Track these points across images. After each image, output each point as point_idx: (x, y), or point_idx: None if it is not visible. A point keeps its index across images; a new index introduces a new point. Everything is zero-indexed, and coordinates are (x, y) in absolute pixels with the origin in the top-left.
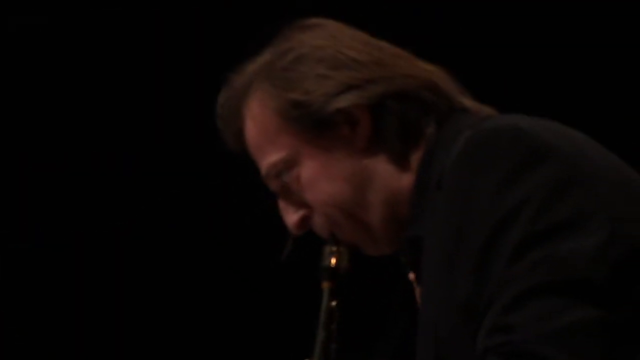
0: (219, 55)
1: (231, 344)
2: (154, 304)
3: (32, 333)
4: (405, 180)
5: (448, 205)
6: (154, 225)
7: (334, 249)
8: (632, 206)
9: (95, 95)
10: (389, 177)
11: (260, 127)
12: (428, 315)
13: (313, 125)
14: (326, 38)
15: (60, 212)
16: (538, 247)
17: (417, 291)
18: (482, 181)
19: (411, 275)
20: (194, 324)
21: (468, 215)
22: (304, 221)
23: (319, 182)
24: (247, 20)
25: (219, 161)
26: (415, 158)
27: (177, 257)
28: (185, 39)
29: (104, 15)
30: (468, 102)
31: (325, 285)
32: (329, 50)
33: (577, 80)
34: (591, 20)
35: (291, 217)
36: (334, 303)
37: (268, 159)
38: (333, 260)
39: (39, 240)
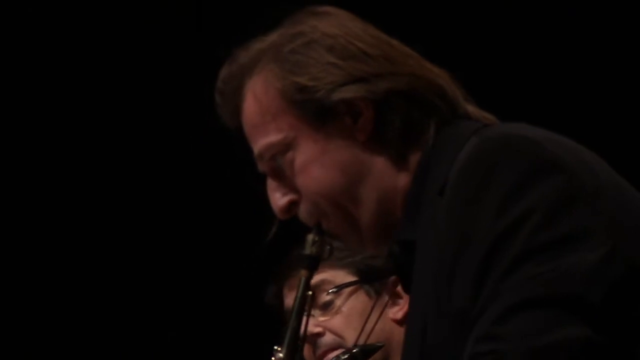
0: (217, 55)
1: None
2: (152, 304)
3: (32, 333)
4: (402, 181)
5: (451, 214)
6: (153, 226)
7: (317, 238)
8: (632, 223)
9: (94, 95)
10: (385, 175)
11: (261, 106)
12: (417, 320)
13: (315, 112)
14: (338, 27)
15: (60, 212)
16: (536, 260)
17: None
18: (487, 192)
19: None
20: (191, 323)
21: (471, 225)
22: (291, 206)
23: (312, 169)
24: (245, 22)
25: (217, 162)
26: (414, 159)
27: (176, 257)
28: (184, 39)
29: (102, 15)
30: (471, 108)
31: (303, 273)
32: (340, 40)
33: (576, 87)
34: (589, 28)
35: (279, 200)
36: (309, 292)
37: (265, 139)
38: (314, 250)
39: (39, 240)
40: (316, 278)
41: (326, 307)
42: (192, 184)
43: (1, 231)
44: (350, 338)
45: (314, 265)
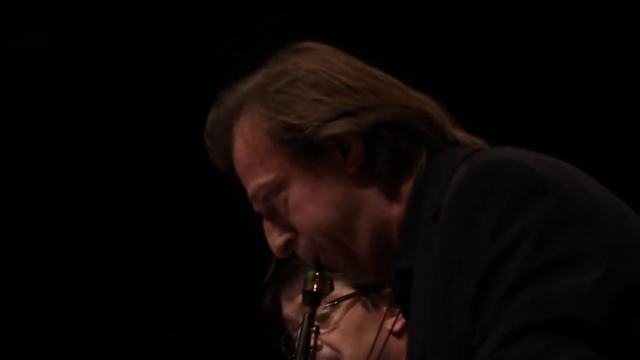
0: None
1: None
2: (152, 304)
3: (32, 333)
4: (395, 210)
5: (446, 240)
6: (153, 226)
7: (317, 274)
8: (629, 243)
9: (94, 96)
10: (379, 206)
11: (250, 148)
12: (417, 348)
13: (304, 150)
14: (321, 62)
15: (60, 212)
16: (534, 284)
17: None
18: (481, 216)
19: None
20: (191, 323)
21: (466, 250)
22: (289, 245)
23: (306, 206)
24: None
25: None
26: (406, 188)
27: (176, 258)
28: (184, 40)
29: (102, 15)
30: (460, 134)
31: (306, 309)
32: (324, 75)
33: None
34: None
35: (276, 239)
36: (313, 328)
37: (257, 180)
38: (315, 286)
39: (39, 240)
40: None
41: (323, 319)
42: (192, 184)
43: (1, 231)
44: (347, 352)
45: (316, 301)
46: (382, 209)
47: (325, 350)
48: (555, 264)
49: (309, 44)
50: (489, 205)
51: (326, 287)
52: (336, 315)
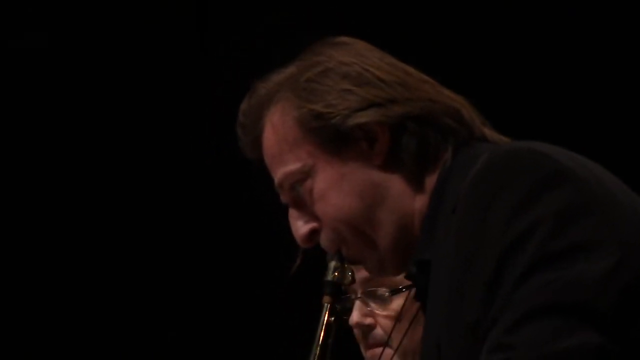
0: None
1: (228, 352)
2: (152, 304)
3: (32, 333)
4: (418, 203)
5: (462, 228)
6: (153, 226)
7: (339, 264)
8: None
9: (93, 98)
10: (403, 198)
11: (279, 136)
12: (433, 337)
13: (332, 138)
14: (354, 55)
15: (60, 212)
16: (545, 270)
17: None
18: (497, 204)
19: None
20: (191, 323)
21: (481, 238)
22: (313, 234)
23: (331, 195)
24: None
25: (215, 162)
26: (430, 182)
27: (176, 258)
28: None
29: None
30: (488, 132)
31: (326, 300)
32: (356, 67)
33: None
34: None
35: (301, 229)
36: (332, 319)
37: (284, 168)
38: (336, 276)
39: (39, 240)
40: None
41: (382, 301)
42: (191, 185)
43: (1, 231)
44: (397, 340)
45: (337, 291)
46: (406, 201)
47: (379, 331)
48: (568, 251)
49: (345, 38)
50: (506, 193)
51: (347, 278)
52: (396, 303)
